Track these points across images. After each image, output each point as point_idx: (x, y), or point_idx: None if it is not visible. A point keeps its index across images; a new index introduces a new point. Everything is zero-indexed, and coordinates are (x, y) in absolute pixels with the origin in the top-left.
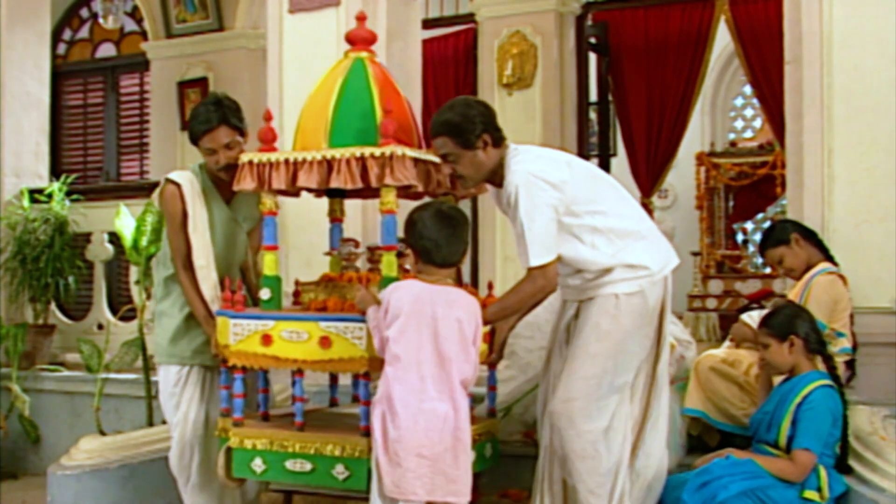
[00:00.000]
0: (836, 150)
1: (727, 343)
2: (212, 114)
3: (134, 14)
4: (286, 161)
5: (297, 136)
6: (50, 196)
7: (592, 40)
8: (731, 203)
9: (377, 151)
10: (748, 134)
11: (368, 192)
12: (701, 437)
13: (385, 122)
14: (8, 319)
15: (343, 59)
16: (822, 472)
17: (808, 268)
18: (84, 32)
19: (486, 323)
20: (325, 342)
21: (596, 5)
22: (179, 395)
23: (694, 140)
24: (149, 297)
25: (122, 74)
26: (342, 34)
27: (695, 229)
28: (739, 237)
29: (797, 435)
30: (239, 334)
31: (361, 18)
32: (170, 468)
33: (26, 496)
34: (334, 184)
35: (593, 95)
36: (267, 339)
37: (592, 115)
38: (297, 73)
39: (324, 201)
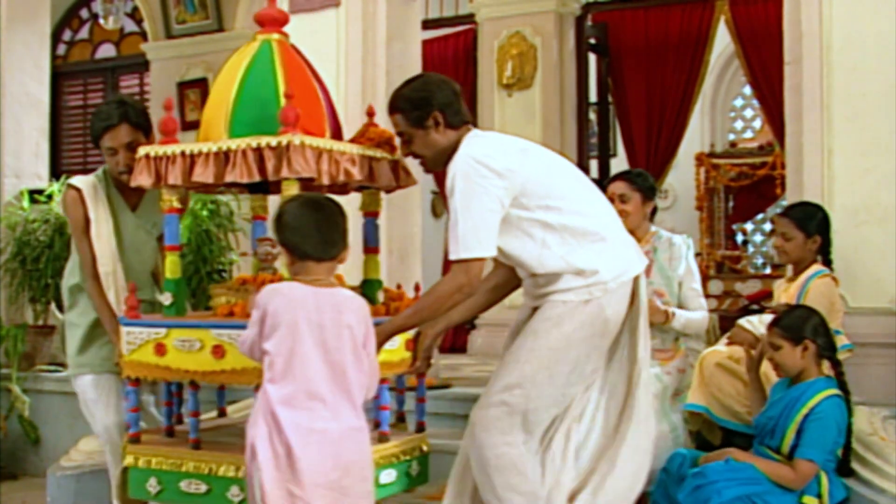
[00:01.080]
0: (836, 150)
1: (723, 343)
2: (113, 111)
3: (134, 15)
4: (182, 154)
5: (201, 127)
6: (50, 197)
7: (592, 41)
8: (730, 204)
9: (273, 141)
10: (748, 135)
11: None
12: (703, 435)
13: (285, 109)
14: (8, 320)
15: (251, 41)
16: (824, 479)
17: (797, 263)
18: (84, 33)
19: (401, 329)
20: (217, 351)
21: (596, 6)
22: (106, 401)
23: (694, 140)
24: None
25: (122, 75)
26: (342, 35)
27: (695, 230)
28: (739, 238)
29: (802, 444)
30: (132, 343)
31: None
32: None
33: (26, 496)
34: (230, 178)
35: (593, 96)
36: (160, 349)
37: (592, 116)
38: None
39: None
